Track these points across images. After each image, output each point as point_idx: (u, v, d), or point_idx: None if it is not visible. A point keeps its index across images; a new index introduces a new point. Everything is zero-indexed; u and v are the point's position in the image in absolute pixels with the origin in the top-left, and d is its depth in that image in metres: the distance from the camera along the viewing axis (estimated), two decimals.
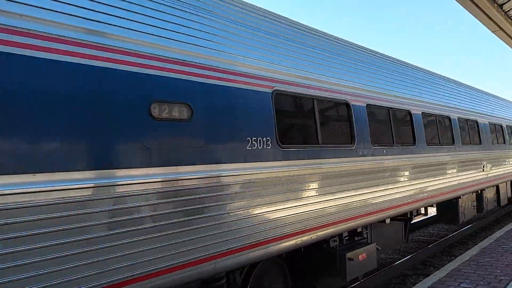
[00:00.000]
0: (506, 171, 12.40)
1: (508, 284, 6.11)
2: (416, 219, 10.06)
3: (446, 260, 8.64)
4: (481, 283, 6.22)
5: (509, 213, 14.92)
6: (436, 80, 9.49)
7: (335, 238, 5.63)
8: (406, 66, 8.39)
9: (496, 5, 10.91)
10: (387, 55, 7.84)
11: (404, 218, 7.53)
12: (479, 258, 7.63)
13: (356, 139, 5.87)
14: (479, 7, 10.61)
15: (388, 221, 6.78)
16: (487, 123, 11.46)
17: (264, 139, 4.42)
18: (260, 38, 4.80)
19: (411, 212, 7.62)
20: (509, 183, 13.04)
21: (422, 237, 10.44)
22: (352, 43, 6.87)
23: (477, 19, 11.47)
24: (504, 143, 12.67)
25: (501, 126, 12.73)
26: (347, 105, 5.83)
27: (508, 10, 11.44)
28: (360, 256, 5.70)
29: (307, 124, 5.26)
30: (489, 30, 12.43)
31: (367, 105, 6.23)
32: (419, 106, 7.87)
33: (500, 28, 12.14)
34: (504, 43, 13.84)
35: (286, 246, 4.70)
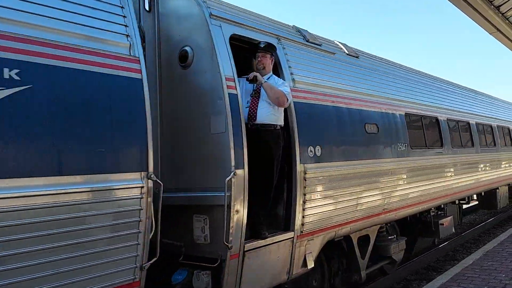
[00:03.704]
0: None
1: None
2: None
3: (449, 265, 8.47)
4: (486, 287, 6.09)
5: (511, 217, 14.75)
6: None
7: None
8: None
9: (492, 6, 10.87)
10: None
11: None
12: (482, 262, 7.48)
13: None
14: (475, 9, 10.57)
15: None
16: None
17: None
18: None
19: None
20: None
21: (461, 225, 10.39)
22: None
23: (474, 21, 11.43)
24: None
25: None
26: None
27: (505, 12, 11.39)
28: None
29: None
30: (486, 32, 12.39)
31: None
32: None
33: (498, 29, 12.08)
34: (502, 44, 13.78)
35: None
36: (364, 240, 6.27)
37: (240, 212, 4.06)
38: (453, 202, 9.31)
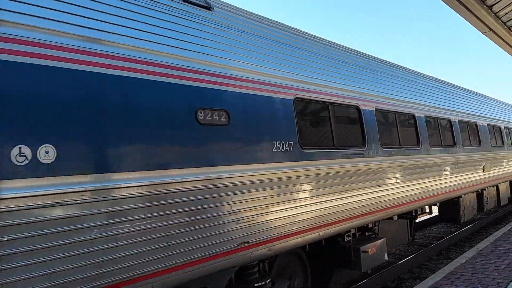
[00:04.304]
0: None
1: (506, 287, 5.98)
2: (420, 218, 10.21)
3: (443, 263, 8.50)
4: (479, 286, 6.08)
5: (505, 215, 14.84)
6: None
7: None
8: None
9: (485, 6, 10.89)
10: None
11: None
12: (476, 261, 7.49)
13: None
14: (468, 9, 10.58)
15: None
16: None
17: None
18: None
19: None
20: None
21: (418, 240, 10.32)
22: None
23: (467, 20, 11.44)
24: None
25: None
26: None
27: (498, 11, 11.42)
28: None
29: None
30: (479, 32, 12.42)
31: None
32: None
33: (491, 29, 12.11)
34: (495, 44, 13.82)
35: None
36: None
37: None
38: (391, 218, 7.05)
